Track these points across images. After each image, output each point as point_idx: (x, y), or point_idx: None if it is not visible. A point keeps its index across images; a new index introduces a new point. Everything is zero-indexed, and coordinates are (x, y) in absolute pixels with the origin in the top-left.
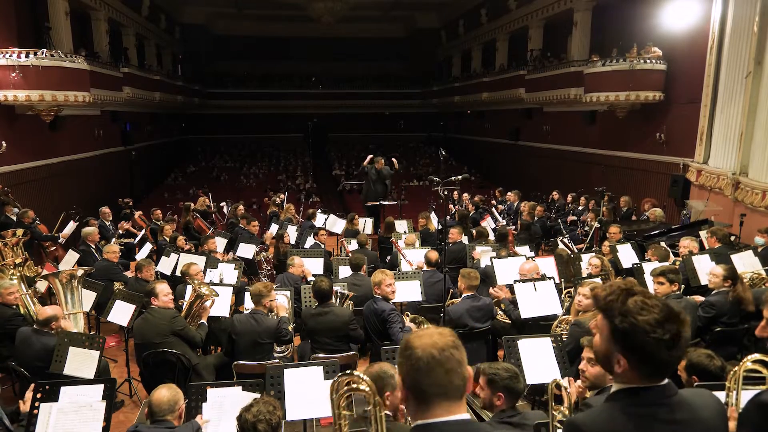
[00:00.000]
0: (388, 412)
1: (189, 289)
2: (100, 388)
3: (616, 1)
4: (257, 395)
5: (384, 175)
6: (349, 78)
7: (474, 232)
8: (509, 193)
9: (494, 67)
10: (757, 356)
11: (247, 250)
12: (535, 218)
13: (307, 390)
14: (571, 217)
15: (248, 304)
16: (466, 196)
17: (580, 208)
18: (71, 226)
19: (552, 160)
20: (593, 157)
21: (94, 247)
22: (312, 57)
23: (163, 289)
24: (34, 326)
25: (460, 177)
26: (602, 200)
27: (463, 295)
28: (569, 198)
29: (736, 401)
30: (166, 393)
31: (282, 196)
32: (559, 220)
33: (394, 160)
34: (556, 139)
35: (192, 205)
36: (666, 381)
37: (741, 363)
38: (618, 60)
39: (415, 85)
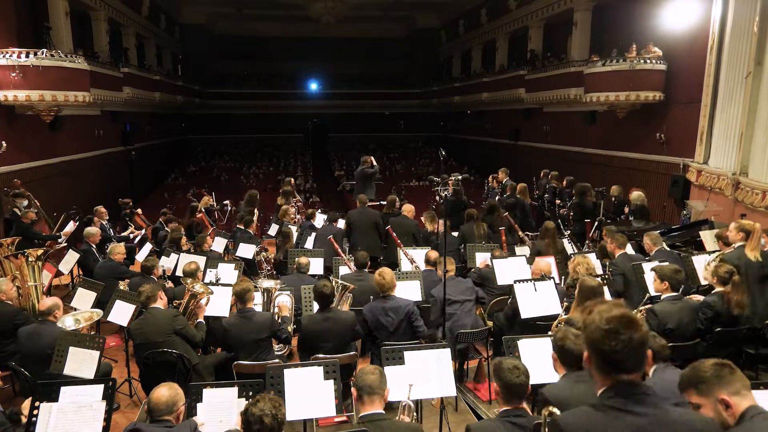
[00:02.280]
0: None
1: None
2: (100, 388)
3: (616, 1)
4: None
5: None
6: (350, 78)
7: (465, 215)
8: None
9: (494, 67)
10: None
11: (247, 251)
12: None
13: (307, 390)
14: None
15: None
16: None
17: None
18: (71, 226)
19: (552, 160)
20: (593, 157)
21: (94, 247)
22: (312, 57)
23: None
24: (38, 318)
25: (460, 177)
26: (602, 199)
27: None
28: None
29: None
30: (166, 393)
31: (293, 181)
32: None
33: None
34: (556, 139)
35: (198, 205)
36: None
37: None
38: (618, 60)
39: (415, 85)
